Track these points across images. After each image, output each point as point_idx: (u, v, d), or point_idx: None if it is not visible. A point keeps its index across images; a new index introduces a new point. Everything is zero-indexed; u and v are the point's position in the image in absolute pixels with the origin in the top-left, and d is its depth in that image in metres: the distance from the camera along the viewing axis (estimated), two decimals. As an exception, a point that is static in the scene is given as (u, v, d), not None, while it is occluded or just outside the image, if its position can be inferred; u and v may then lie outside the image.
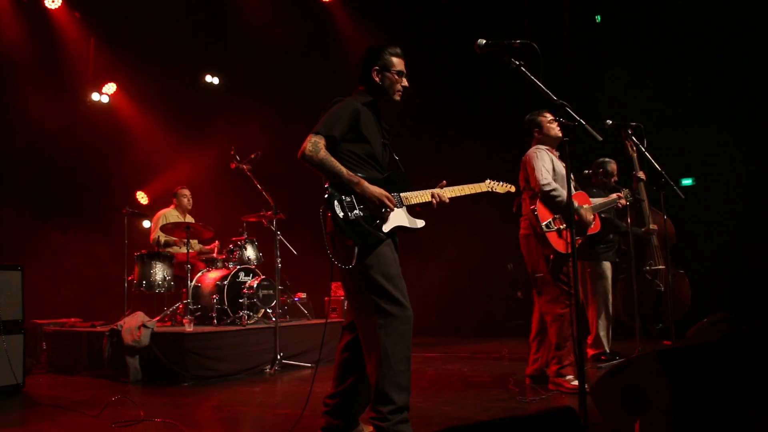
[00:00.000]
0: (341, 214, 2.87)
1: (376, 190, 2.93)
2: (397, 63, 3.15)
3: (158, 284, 6.44)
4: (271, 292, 6.27)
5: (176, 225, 6.59)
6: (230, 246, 6.73)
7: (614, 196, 4.98)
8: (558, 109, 2.82)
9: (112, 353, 5.60)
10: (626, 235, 5.58)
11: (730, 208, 7.10)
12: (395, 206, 2.99)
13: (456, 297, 9.55)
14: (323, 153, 2.88)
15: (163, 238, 6.97)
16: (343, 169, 2.90)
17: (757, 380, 2.36)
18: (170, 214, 7.18)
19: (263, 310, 6.36)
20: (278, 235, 6.21)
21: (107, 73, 9.15)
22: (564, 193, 4.32)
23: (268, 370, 5.63)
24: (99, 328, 6.05)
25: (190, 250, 6.47)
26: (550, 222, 4.30)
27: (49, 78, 8.31)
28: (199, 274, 6.51)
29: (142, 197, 9.31)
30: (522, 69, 2.87)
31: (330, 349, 6.54)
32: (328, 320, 7.05)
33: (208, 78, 9.90)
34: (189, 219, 7.26)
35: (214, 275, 6.42)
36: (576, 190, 4.61)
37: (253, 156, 6.27)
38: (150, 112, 9.23)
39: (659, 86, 7.77)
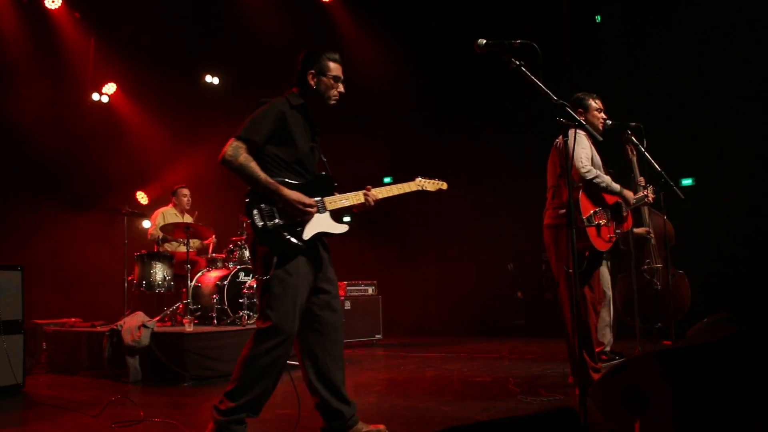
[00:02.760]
0: (260, 223, 2.87)
1: (295, 197, 2.90)
2: (334, 68, 3.14)
3: (158, 284, 6.44)
4: (271, 292, 6.26)
5: (176, 225, 6.59)
6: (230, 246, 6.73)
7: (643, 192, 4.81)
8: (558, 109, 2.82)
9: (112, 353, 5.60)
10: (625, 234, 5.57)
11: (730, 208, 7.10)
12: (316, 212, 2.97)
13: (456, 297, 9.55)
14: (242, 158, 2.87)
15: (160, 235, 6.96)
16: (261, 175, 2.88)
17: (757, 381, 2.36)
18: (168, 213, 7.19)
19: (263, 310, 6.34)
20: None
21: (107, 73, 9.15)
22: (607, 179, 4.14)
23: (268, 370, 5.61)
24: (99, 328, 6.05)
25: (190, 249, 6.47)
26: (591, 215, 4.07)
27: (49, 78, 8.31)
28: (199, 273, 6.51)
29: (142, 197, 9.31)
30: (522, 69, 2.87)
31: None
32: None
33: (208, 78, 9.90)
34: (187, 218, 7.26)
35: (214, 275, 6.42)
36: None
37: (253, 156, 6.26)
38: (150, 112, 9.23)
39: (659, 86, 7.76)
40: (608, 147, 4.39)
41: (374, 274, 8.38)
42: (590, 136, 4.17)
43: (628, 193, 4.33)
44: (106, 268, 8.00)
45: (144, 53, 8.94)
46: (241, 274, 6.35)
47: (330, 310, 3.12)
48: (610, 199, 4.30)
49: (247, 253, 6.68)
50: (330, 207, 3.04)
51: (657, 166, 4.73)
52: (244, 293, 6.16)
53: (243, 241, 6.70)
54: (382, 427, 3.19)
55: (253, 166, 2.88)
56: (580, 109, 4.38)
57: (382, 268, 8.86)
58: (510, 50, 2.88)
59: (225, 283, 6.18)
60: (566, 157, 2.88)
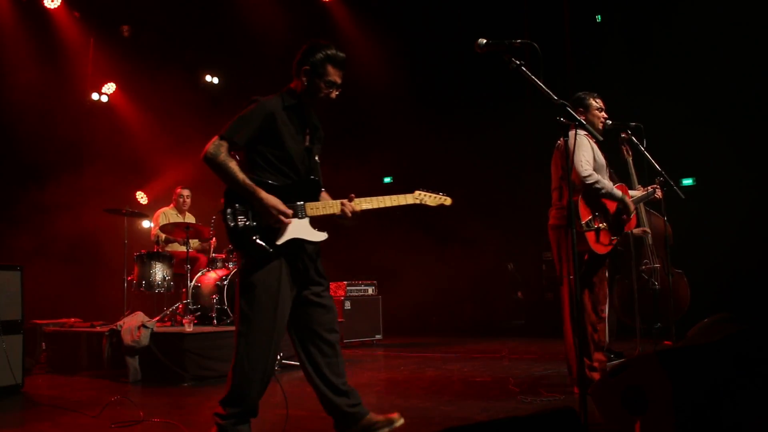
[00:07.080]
0: (231, 224, 2.81)
1: (271, 201, 2.80)
2: (332, 72, 2.92)
3: (158, 284, 6.44)
4: (271, 292, 6.26)
5: (176, 225, 6.59)
6: (230, 246, 6.72)
7: (650, 188, 4.78)
8: (558, 109, 2.83)
9: (112, 353, 5.60)
10: (624, 235, 5.56)
11: (730, 208, 7.10)
12: (292, 217, 2.85)
13: (456, 297, 9.55)
14: (223, 157, 2.83)
15: (163, 236, 6.98)
16: (240, 175, 2.82)
17: (757, 380, 2.36)
18: (169, 213, 7.21)
19: (263, 310, 6.34)
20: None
21: (107, 73, 9.15)
22: (609, 184, 4.09)
23: (268, 370, 5.61)
24: (99, 328, 6.05)
25: (190, 249, 6.47)
26: (590, 220, 4.04)
27: (49, 78, 8.31)
28: (199, 273, 6.50)
29: (141, 197, 9.31)
30: (522, 69, 2.87)
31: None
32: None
33: (208, 78, 9.91)
34: (189, 218, 7.28)
35: (214, 275, 6.41)
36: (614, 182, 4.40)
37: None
38: (150, 112, 9.23)
39: (659, 86, 7.76)
40: (606, 147, 4.40)
41: (374, 274, 8.38)
42: (591, 136, 4.16)
43: (629, 200, 4.27)
44: (105, 268, 7.99)
45: (143, 53, 8.94)
46: (241, 274, 6.34)
47: (321, 308, 3.04)
48: (611, 205, 4.26)
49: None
50: (310, 213, 2.91)
51: (657, 166, 4.73)
52: (244, 293, 6.15)
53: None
54: (395, 415, 3.11)
55: (233, 165, 2.83)
56: (581, 109, 4.34)
57: (382, 268, 8.87)
58: (510, 50, 2.88)
59: (225, 283, 6.17)
60: (566, 157, 2.88)
